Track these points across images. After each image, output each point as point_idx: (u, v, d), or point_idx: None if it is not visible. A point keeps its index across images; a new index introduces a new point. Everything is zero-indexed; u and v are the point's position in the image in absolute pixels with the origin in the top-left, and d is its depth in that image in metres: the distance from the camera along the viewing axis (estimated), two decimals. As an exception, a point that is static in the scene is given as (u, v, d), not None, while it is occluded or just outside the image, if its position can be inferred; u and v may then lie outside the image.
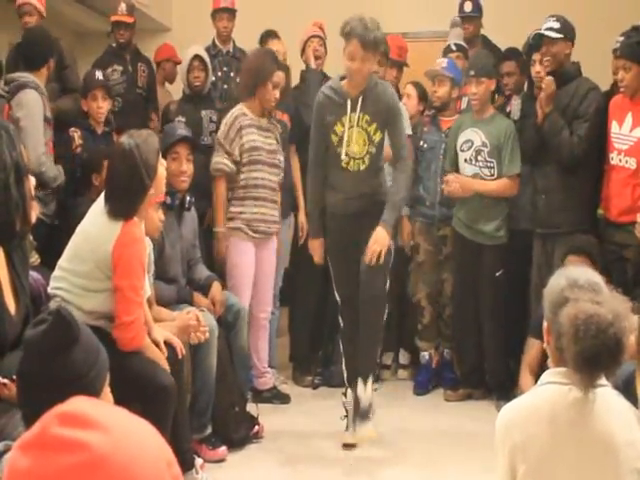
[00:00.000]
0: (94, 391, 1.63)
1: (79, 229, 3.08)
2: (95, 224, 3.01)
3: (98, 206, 3.05)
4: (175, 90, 5.90)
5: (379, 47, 3.71)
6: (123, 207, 2.96)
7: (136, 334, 2.99)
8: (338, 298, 3.97)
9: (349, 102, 3.72)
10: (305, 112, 4.61)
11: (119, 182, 3.00)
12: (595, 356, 1.74)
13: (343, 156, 3.77)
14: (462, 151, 4.60)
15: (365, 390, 3.89)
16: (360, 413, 3.90)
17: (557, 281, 1.92)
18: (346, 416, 3.96)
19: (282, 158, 4.48)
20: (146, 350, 3.06)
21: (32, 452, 0.88)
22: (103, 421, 0.90)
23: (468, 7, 5.40)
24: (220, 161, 4.27)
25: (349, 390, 3.95)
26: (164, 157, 3.55)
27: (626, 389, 2.17)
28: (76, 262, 3.01)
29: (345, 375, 4.00)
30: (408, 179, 3.99)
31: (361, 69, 3.62)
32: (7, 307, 2.30)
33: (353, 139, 3.75)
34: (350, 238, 3.84)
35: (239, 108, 4.33)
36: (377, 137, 3.78)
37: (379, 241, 3.66)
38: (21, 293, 2.36)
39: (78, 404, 0.94)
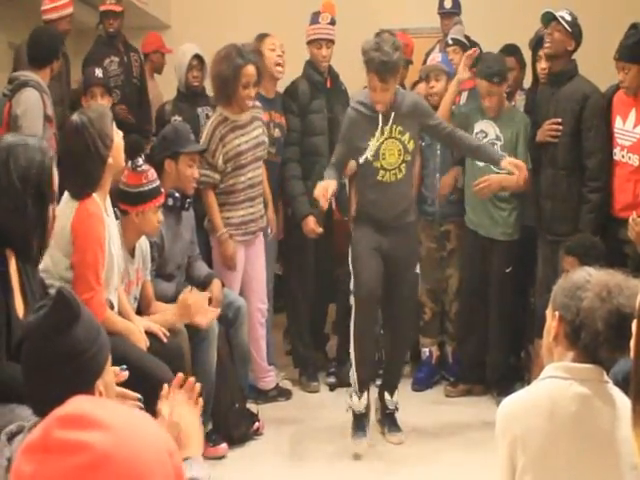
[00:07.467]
0: (97, 367, 1.66)
1: None
2: (60, 206, 2.93)
3: None
4: (160, 80, 5.88)
5: (398, 70, 3.75)
6: (82, 183, 2.92)
7: (94, 311, 2.89)
8: (355, 299, 3.82)
9: (380, 116, 3.79)
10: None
11: (74, 159, 2.94)
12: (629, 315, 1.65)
13: (378, 167, 3.83)
14: None
15: (392, 398, 4.04)
16: (389, 420, 4.04)
17: (576, 273, 1.94)
18: (355, 422, 3.93)
19: (267, 148, 4.40)
20: (111, 325, 2.96)
21: (36, 457, 0.89)
22: (103, 419, 0.90)
23: (448, 4, 5.46)
24: (203, 173, 4.12)
25: (362, 396, 3.89)
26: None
27: (625, 385, 2.16)
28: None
29: (356, 382, 3.87)
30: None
31: (384, 97, 3.73)
32: (16, 310, 2.32)
33: (388, 151, 3.82)
34: (378, 242, 3.88)
35: (219, 114, 4.23)
36: (411, 145, 3.87)
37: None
38: (30, 297, 2.38)
39: (77, 404, 0.94)
